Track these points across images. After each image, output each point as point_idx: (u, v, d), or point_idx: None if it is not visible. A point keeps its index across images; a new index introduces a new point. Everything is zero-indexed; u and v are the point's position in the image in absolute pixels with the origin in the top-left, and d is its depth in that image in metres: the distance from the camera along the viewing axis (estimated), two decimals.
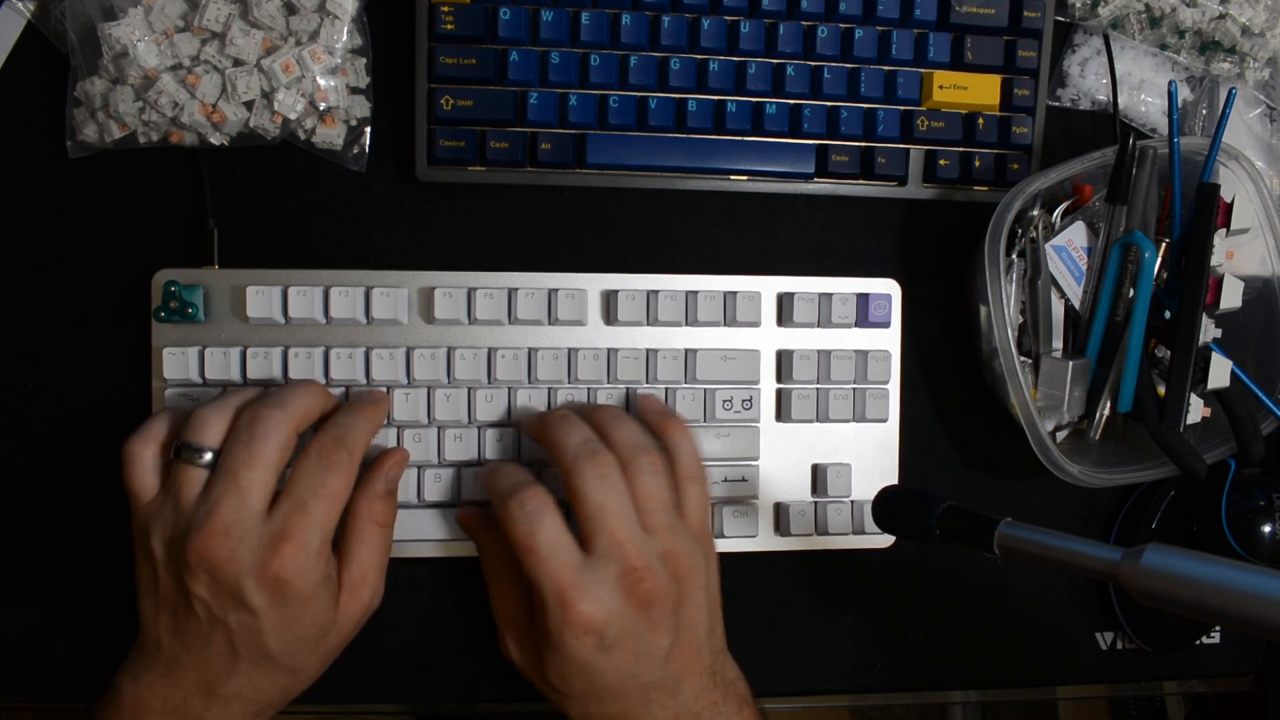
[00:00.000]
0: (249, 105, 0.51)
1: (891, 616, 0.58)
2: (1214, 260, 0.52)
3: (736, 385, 0.54)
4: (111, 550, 0.53)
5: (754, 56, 0.55)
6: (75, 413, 0.53)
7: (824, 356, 0.55)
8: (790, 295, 0.54)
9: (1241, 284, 0.54)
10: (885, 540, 0.56)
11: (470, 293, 0.52)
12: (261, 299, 0.50)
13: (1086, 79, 0.59)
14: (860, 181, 0.57)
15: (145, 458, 0.45)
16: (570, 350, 0.53)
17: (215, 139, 0.51)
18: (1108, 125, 0.59)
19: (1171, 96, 0.52)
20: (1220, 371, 0.53)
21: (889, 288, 0.56)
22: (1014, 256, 0.55)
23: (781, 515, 0.55)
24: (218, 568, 0.42)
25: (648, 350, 0.53)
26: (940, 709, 1.27)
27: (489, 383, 0.52)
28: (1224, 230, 0.53)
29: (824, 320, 0.55)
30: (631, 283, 0.53)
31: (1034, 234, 0.54)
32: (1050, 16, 0.57)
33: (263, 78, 0.50)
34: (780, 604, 0.57)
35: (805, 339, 0.55)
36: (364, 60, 0.53)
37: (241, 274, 0.51)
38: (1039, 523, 0.42)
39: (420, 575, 0.54)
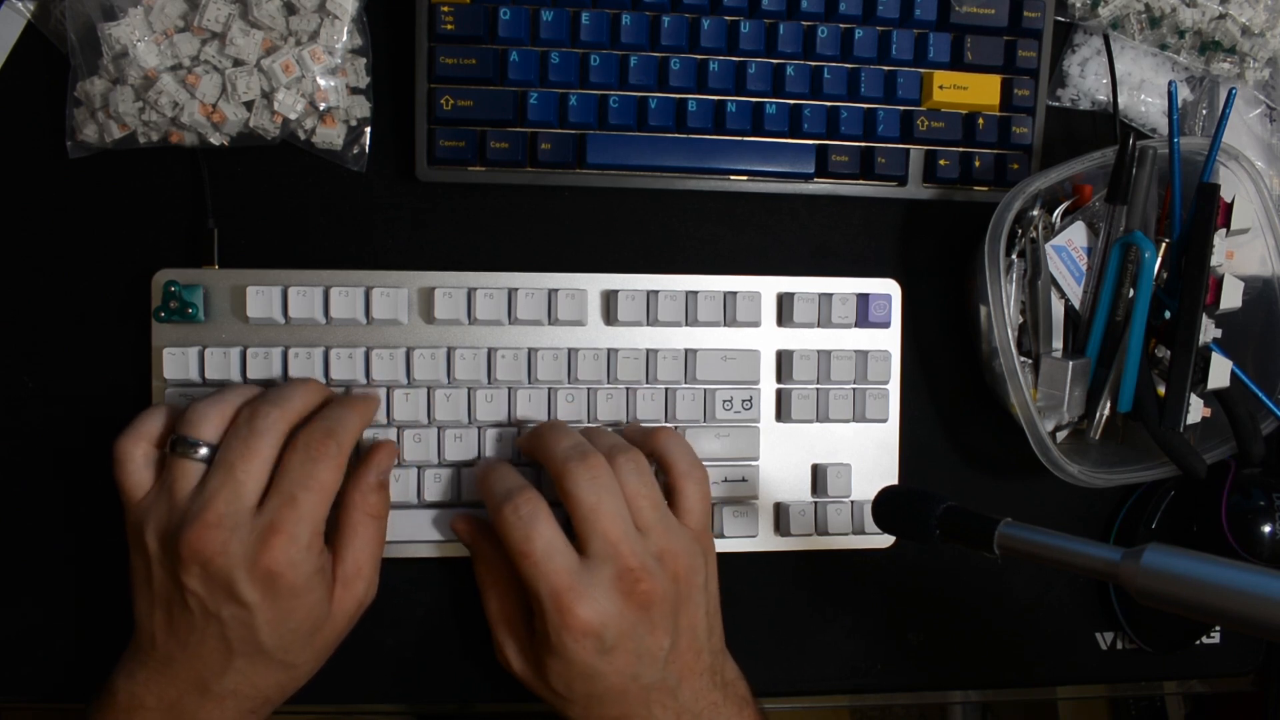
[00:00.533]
0: (249, 105, 0.51)
1: (891, 616, 0.58)
2: (1214, 260, 0.52)
3: (736, 385, 0.54)
4: (111, 550, 0.53)
5: (754, 56, 0.55)
6: (76, 413, 0.53)
7: (824, 356, 0.55)
8: (790, 295, 0.54)
9: (1241, 284, 0.54)
10: (885, 540, 0.56)
11: (470, 293, 0.52)
12: (261, 299, 0.50)
13: (1086, 79, 0.59)
14: (860, 181, 0.57)
15: (136, 456, 0.45)
16: (570, 350, 0.53)
17: (215, 139, 0.51)
18: (1108, 125, 0.59)
19: (1171, 96, 0.52)
20: (1220, 371, 0.53)
21: (889, 288, 0.56)
22: (1014, 256, 0.55)
23: (781, 515, 0.55)
24: (210, 560, 0.42)
25: (648, 350, 0.53)
26: (940, 709, 1.27)
27: (489, 383, 0.52)
28: (1224, 230, 0.53)
29: (824, 320, 0.55)
30: (631, 283, 0.53)
31: (1034, 234, 0.54)
32: (1050, 16, 0.57)
33: (263, 78, 0.50)
34: (780, 604, 0.57)
35: (805, 339, 0.55)
36: (364, 60, 0.53)
37: (241, 274, 0.51)
38: (1039, 523, 0.42)
39: (420, 575, 0.54)
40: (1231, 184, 0.54)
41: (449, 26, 0.52)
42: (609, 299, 0.53)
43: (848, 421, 0.55)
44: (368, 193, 0.55)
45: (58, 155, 0.52)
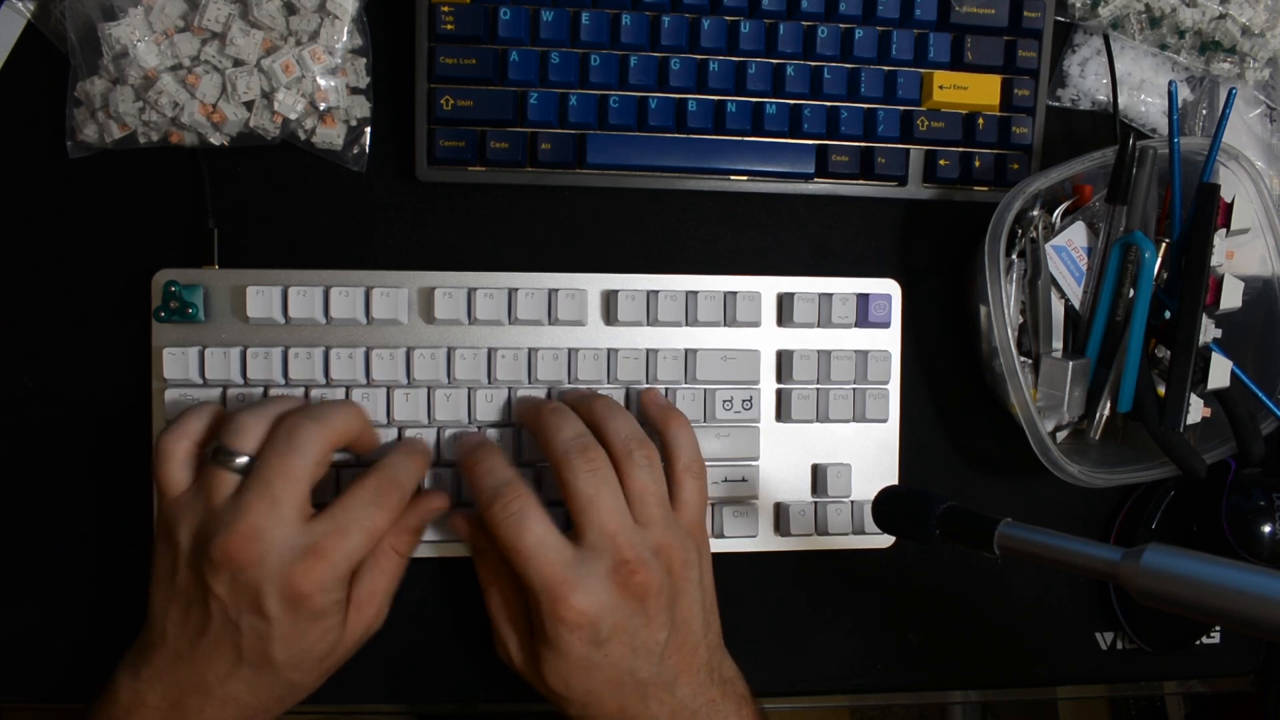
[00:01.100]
0: (249, 105, 0.51)
1: (891, 616, 0.58)
2: (1214, 260, 0.52)
3: (736, 385, 0.54)
4: (112, 550, 0.53)
5: (754, 56, 0.55)
6: (75, 413, 0.53)
7: (824, 356, 0.55)
8: (790, 295, 0.54)
9: (1241, 284, 0.54)
10: (885, 540, 0.56)
11: (470, 293, 0.52)
12: (261, 299, 0.50)
13: (1086, 79, 0.59)
14: (860, 181, 0.57)
15: (178, 453, 0.45)
16: (570, 350, 0.53)
17: (215, 139, 0.51)
18: (1108, 125, 0.59)
19: (1171, 96, 0.52)
20: (1220, 371, 0.53)
21: (889, 288, 0.56)
22: (1014, 256, 0.55)
23: (781, 515, 0.55)
24: (242, 569, 0.42)
25: (648, 350, 0.53)
26: (940, 709, 1.27)
27: (489, 383, 0.52)
28: (1224, 230, 0.53)
29: (824, 320, 0.55)
30: (631, 283, 0.53)
31: (1034, 234, 0.54)
32: (1050, 16, 0.57)
33: (263, 78, 0.50)
34: (780, 604, 0.57)
35: (805, 339, 0.55)
36: (364, 60, 0.53)
37: (241, 274, 0.51)
38: (1039, 523, 0.42)
39: (419, 575, 0.54)
40: (1231, 184, 0.54)
41: (449, 26, 0.52)
42: (609, 299, 0.53)
43: (848, 421, 0.55)
44: (368, 193, 0.55)
45: (58, 155, 0.52)
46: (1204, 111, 0.61)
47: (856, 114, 0.56)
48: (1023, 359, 0.54)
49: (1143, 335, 0.53)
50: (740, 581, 0.56)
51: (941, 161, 0.56)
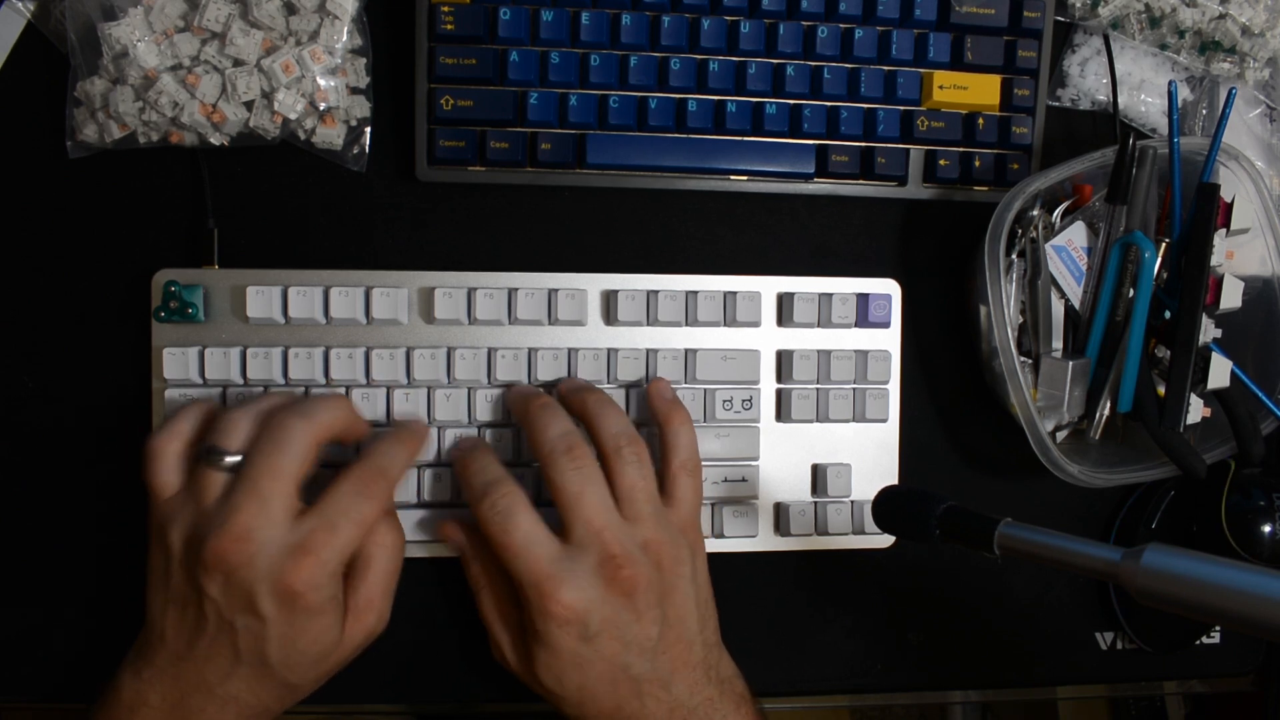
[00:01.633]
0: (249, 105, 0.51)
1: (891, 616, 0.58)
2: (1214, 260, 0.52)
3: (736, 385, 0.54)
4: (112, 550, 0.53)
5: (754, 56, 0.55)
6: (75, 413, 0.53)
7: (824, 356, 0.55)
8: (790, 295, 0.54)
9: (1241, 284, 0.54)
10: (885, 540, 0.56)
11: (470, 293, 0.52)
12: (261, 299, 0.50)
13: (1086, 79, 0.59)
14: (860, 181, 0.57)
15: (168, 454, 0.45)
16: (570, 350, 0.53)
17: (215, 139, 0.51)
18: (1108, 125, 0.59)
19: (1171, 96, 0.52)
20: (1220, 371, 0.53)
21: (889, 288, 0.56)
22: (1014, 256, 0.55)
23: (781, 515, 0.55)
24: (234, 570, 0.42)
25: (648, 350, 0.53)
26: (940, 709, 1.27)
27: (489, 383, 0.52)
28: (1224, 230, 0.53)
29: (824, 320, 0.55)
30: (631, 283, 0.53)
31: (1034, 234, 0.54)
32: (1050, 16, 0.57)
33: (263, 78, 0.50)
34: (780, 604, 0.57)
35: (805, 339, 0.55)
36: (364, 60, 0.53)
37: (241, 274, 0.51)
38: (1039, 523, 0.42)
39: (419, 575, 0.54)
40: (1231, 184, 0.54)
41: (449, 26, 0.52)
42: (609, 299, 0.53)
43: (848, 421, 0.55)
44: (368, 193, 0.55)
45: (58, 155, 0.52)
46: (1204, 111, 0.61)
47: (856, 114, 0.56)
48: (1023, 359, 0.54)
49: (1143, 335, 0.53)
50: (740, 581, 0.56)
51: (941, 161, 0.56)
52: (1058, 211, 0.55)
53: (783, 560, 0.57)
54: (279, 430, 0.44)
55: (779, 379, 0.55)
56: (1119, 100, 0.59)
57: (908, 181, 0.57)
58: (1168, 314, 0.54)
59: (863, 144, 0.56)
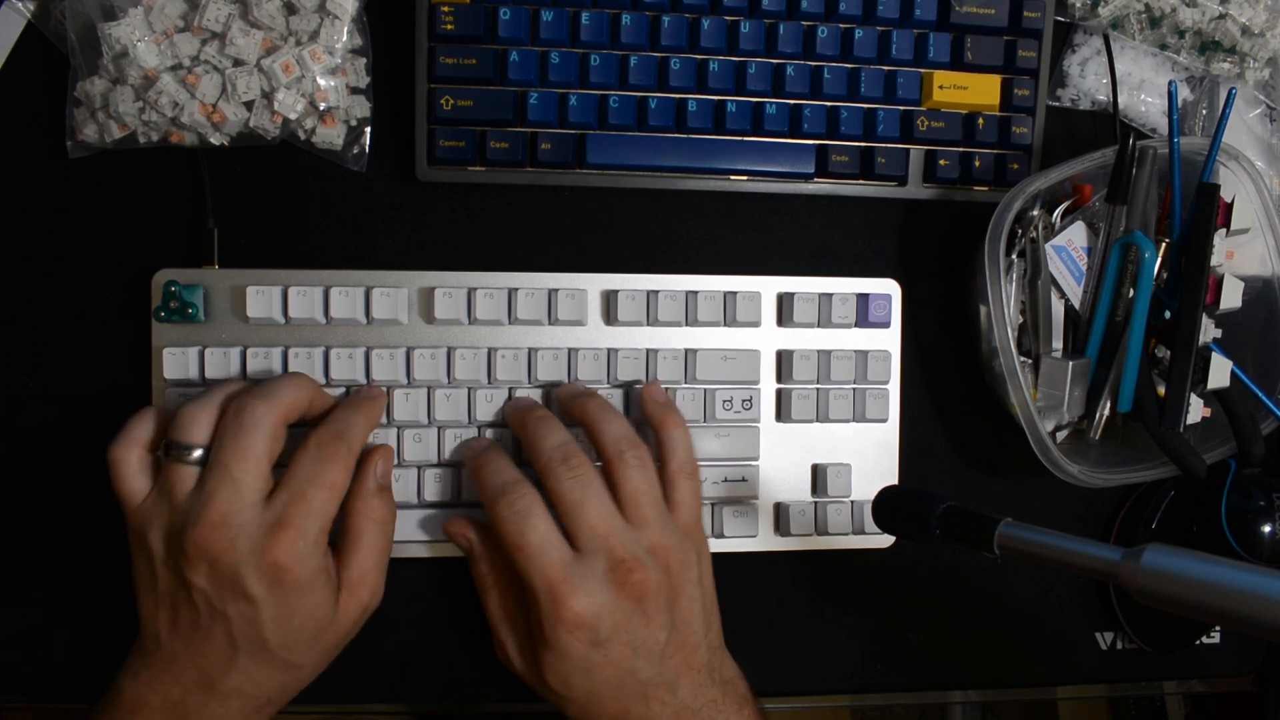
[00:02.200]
0: (249, 105, 0.51)
1: (891, 616, 0.58)
2: (1214, 260, 0.52)
3: (736, 385, 0.54)
4: (111, 550, 0.53)
5: (754, 56, 0.55)
6: (76, 413, 0.53)
7: (824, 356, 0.55)
8: (790, 295, 0.54)
9: (1241, 284, 0.54)
10: (885, 540, 0.56)
11: (470, 293, 0.52)
12: (261, 299, 0.50)
13: (1086, 79, 0.59)
14: (860, 181, 0.57)
15: (130, 461, 0.45)
16: (570, 350, 0.53)
17: (215, 139, 0.51)
18: (1108, 125, 0.59)
19: (1171, 96, 0.52)
20: (1220, 371, 0.53)
21: (889, 288, 0.56)
22: (1014, 256, 0.55)
23: (781, 515, 0.55)
24: (217, 557, 0.42)
25: (648, 350, 0.53)
26: (940, 709, 1.27)
27: (489, 383, 0.52)
28: (1224, 230, 0.53)
29: (824, 320, 0.55)
30: (631, 283, 0.53)
31: (1034, 234, 0.54)
32: (1050, 16, 0.57)
33: (263, 78, 0.50)
34: (780, 604, 0.57)
35: (805, 339, 0.55)
36: (364, 60, 0.53)
37: (241, 274, 0.51)
38: (1039, 523, 0.42)
39: (419, 575, 0.54)
40: (1231, 184, 0.54)
41: (449, 26, 0.52)
42: (609, 299, 0.53)
43: (848, 421, 0.55)
44: (368, 193, 0.55)
45: (58, 155, 0.52)
46: (1204, 111, 0.61)
47: (856, 114, 0.56)
48: (1023, 359, 0.54)
49: (1143, 335, 0.53)
50: (740, 581, 0.56)
51: (941, 161, 0.56)
52: (1058, 211, 0.55)
53: (783, 560, 0.57)
54: (243, 414, 0.44)
55: (779, 379, 0.55)
56: (1119, 100, 0.59)
57: (908, 181, 0.57)
58: (1168, 314, 0.54)
59: (863, 144, 0.56)
